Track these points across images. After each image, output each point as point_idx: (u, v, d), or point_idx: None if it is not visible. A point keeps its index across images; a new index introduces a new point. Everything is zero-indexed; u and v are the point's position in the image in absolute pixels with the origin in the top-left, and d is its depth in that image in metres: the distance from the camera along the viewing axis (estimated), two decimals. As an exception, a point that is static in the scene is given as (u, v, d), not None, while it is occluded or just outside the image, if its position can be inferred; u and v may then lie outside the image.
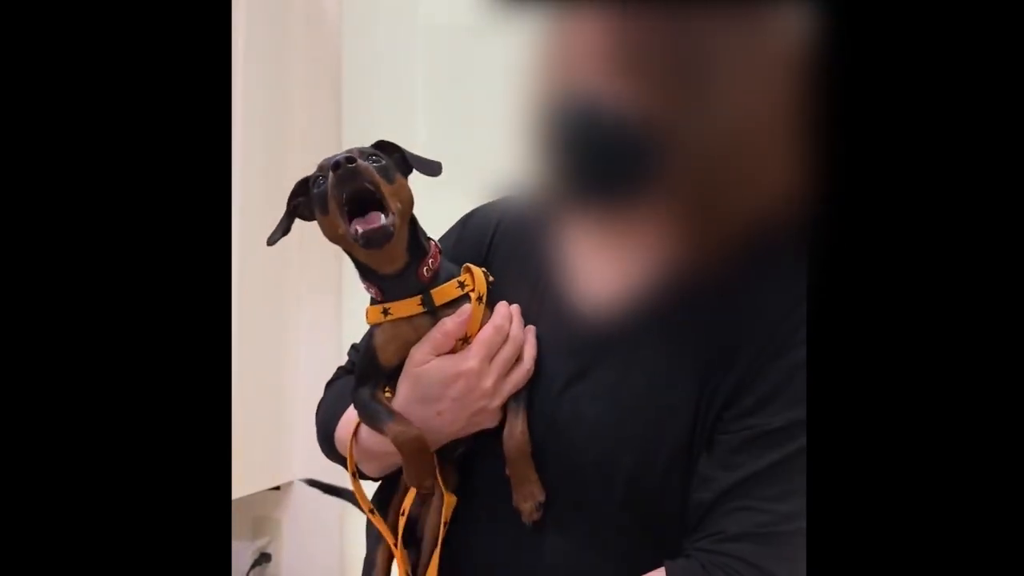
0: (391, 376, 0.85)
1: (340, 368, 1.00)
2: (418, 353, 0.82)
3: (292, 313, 2.01)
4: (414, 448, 0.81)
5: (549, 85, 0.79)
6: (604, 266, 0.85)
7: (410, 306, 0.82)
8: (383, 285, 0.82)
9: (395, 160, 0.83)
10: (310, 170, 0.81)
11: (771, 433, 0.73)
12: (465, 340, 0.82)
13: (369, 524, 0.90)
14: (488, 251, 0.92)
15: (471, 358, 0.81)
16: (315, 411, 0.98)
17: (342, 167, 0.75)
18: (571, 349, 0.83)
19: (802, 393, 0.72)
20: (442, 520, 0.84)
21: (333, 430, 0.92)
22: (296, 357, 2.00)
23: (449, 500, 0.85)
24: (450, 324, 0.81)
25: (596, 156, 0.76)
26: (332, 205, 0.77)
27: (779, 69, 0.75)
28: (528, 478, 0.80)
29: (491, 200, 0.97)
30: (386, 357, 0.84)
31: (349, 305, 1.95)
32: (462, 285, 0.83)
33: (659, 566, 0.74)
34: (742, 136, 0.74)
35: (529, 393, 0.83)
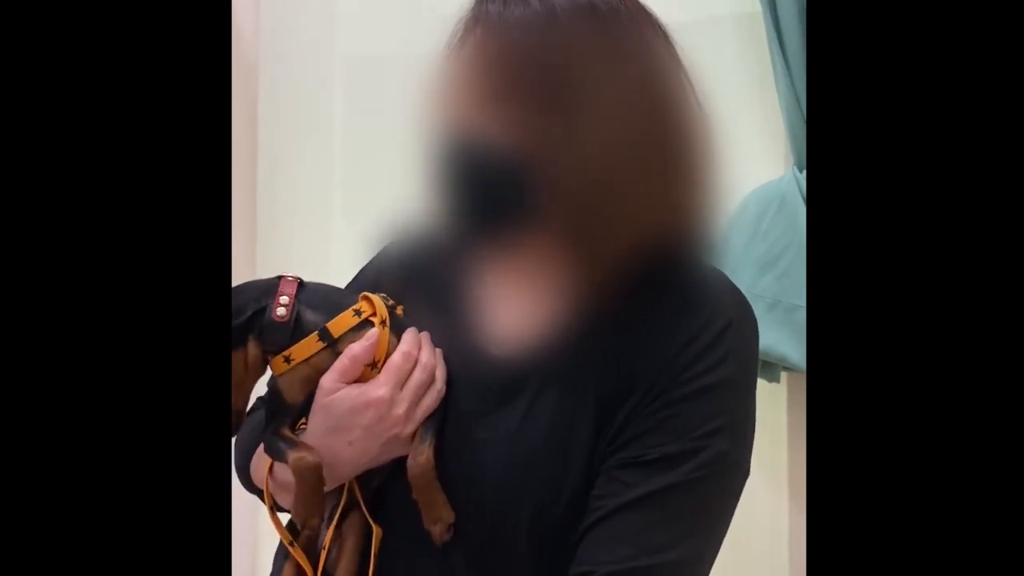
0: (302, 412, 0.85)
1: (259, 398, 0.98)
2: (327, 382, 0.81)
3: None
4: (310, 476, 0.80)
5: (435, 121, 0.81)
6: (509, 305, 0.86)
7: (309, 345, 0.82)
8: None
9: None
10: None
11: (644, 464, 0.75)
12: (373, 366, 0.82)
13: (279, 549, 0.90)
14: (405, 285, 0.91)
15: (381, 386, 0.80)
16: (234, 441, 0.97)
17: None
18: (478, 392, 0.83)
19: (682, 430, 0.75)
20: (372, 553, 0.83)
21: (248, 463, 0.91)
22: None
23: (377, 532, 0.84)
24: (357, 348, 0.81)
25: (479, 191, 0.79)
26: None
27: (650, 99, 0.78)
28: (435, 501, 0.80)
29: (407, 234, 0.97)
30: (292, 396, 0.84)
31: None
32: (358, 313, 0.83)
33: None
34: (616, 165, 0.76)
35: (439, 421, 0.83)
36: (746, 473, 0.80)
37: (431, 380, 0.83)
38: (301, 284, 0.84)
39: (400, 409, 0.80)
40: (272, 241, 1.97)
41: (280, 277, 0.84)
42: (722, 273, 0.84)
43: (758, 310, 1.50)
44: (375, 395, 0.80)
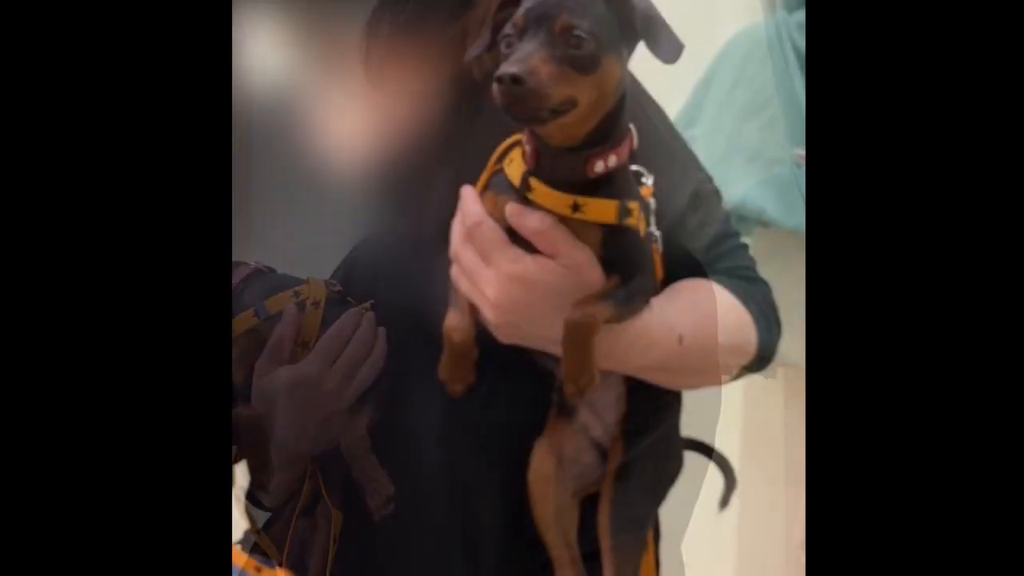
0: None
1: None
2: (259, 364, 0.83)
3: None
4: (247, 427, 0.81)
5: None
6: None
7: (245, 319, 0.83)
8: None
9: None
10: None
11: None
12: (305, 346, 0.83)
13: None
14: (374, 282, 0.91)
15: (309, 363, 0.81)
16: None
17: None
18: (439, 381, 0.82)
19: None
20: (331, 537, 0.83)
21: None
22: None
23: (336, 516, 0.84)
24: (279, 328, 0.82)
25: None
26: None
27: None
28: (371, 475, 0.81)
29: (376, 232, 0.98)
30: (233, 376, 0.84)
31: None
32: (297, 294, 0.85)
33: None
34: None
35: (381, 396, 0.83)
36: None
37: (366, 355, 0.83)
38: (260, 271, 0.86)
39: (330, 384, 0.81)
40: (267, 237, 1.96)
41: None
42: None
43: (739, 160, 1.44)
44: (303, 372, 0.81)
